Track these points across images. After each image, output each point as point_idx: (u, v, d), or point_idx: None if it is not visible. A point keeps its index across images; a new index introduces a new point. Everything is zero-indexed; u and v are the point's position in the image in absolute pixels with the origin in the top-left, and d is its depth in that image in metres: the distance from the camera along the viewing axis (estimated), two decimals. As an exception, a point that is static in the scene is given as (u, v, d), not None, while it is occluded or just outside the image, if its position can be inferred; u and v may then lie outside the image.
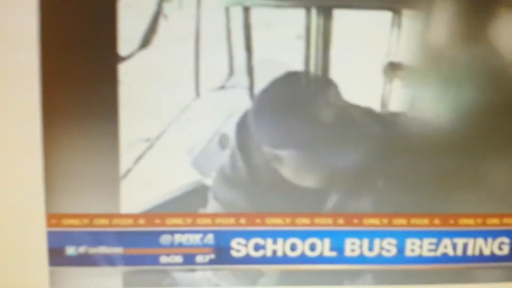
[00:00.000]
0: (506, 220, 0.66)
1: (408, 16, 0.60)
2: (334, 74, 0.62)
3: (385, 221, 0.65)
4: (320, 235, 0.66)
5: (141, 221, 0.63)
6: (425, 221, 0.66)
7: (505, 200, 0.66)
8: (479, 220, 0.66)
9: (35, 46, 0.58)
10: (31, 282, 0.64)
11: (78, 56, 0.58)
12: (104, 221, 0.63)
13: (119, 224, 0.63)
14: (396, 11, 0.60)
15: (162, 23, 0.59)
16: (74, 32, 0.58)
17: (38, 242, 0.63)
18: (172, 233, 0.64)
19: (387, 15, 0.60)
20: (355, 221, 0.65)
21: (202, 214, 0.64)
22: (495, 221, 0.66)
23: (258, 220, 0.65)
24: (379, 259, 0.67)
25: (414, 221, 0.66)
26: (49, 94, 0.59)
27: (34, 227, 0.62)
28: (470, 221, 0.66)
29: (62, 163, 0.61)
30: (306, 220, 0.65)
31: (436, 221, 0.66)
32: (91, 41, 0.58)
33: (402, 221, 0.66)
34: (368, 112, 0.62)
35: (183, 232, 0.64)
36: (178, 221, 0.64)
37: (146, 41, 0.59)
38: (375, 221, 0.65)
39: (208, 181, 0.64)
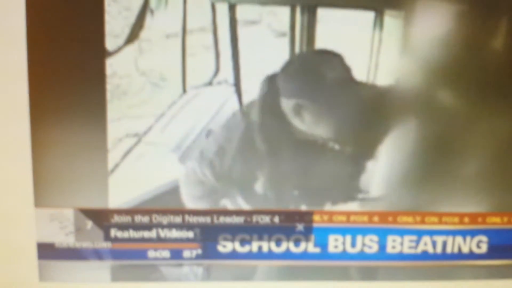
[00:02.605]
0: (484, 219, 0.64)
1: (390, 16, 0.58)
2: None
3: (365, 218, 0.63)
4: (305, 232, 0.64)
5: (129, 215, 0.61)
6: (409, 219, 0.64)
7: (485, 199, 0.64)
8: (458, 219, 0.64)
9: (23, 42, 0.55)
10: (21, 275, 0.61)
11: (65, 51, 0.56)
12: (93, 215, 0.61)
13: (107, 218, 0.61)
14: (379, 11, 0.58)
15: (149, 19, 0.57)
16: (61, 28, 0.55)
17: (27, 237, 0.60)
18: (159, 227, 0.62)
19: (369, 15, 0.58)
20: (342, 218, 0.63)
21: (190, 210, 0.62)
22: (474, 220, 0.64)
23: (245, 217, 0.62)
24: (362, 256, 0.65)
25: (402, 219, 0.64)
26: (37, 90, 0.57)
27: (23, 222, 0.60)
28: (450, 219, 0.64)
29: (50, 158, 0.58)
30: (290, 217, 0.63)
31: (418, 219, 0.64)
32: (78, 36, 0.56)
33: (383, 218, 0.64)
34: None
35: (170, 227, 0.62)
36: (166, 216, 0.61)
37: (133, 36, 0.57)
38: (358, 218, 0.63)
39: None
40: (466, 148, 0.62)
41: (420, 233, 0.64)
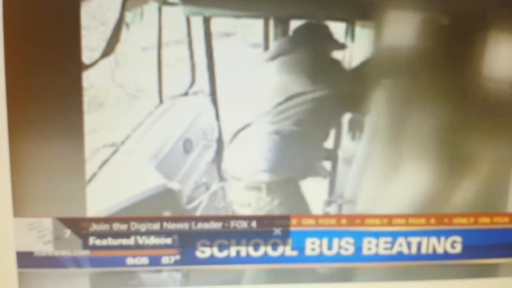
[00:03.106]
0: (457, 220, 0.65)
1: (361, 27, 0.60)
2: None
3: (343, 221, 0.64)
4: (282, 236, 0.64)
5: (107, 224, 0.61)
6: (383, 221, 0.65)
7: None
8: (433, 220, 0.65)
9: (1, 56, 0.55)
10: (0, 285, 0.61)
11: (42, 64, 0.56)
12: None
13: (86, 227, 0.61)
14: (350, 22, 0.59)
15: (125, 32, 0.57)
16: (38, 41, 0.56)
17: (6, 246, 0.60)
18: (137, 235, 0.62)
19: (340, 26, 0.59)
20: (313, 221, 0.64)
21: (168, 217, 0.62)
22: (447, 220, 0.65)
23: (222, 223, 0.63)
24: (338, 258, 0.65)
25: (369, 221, 0.64)
26: (14, 102, 0.57)
27: (2, 231, 0.60)
28: (416, 220, 0.65)
29: (28, 169, 0.59)
30: (267, 221, 0.64)
31: (385, 221, 0.65)
32: (55, 49, 0.56)
33: (358, 221, 0.64)
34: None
35: (148, 234, 0.62)
36: (144, 223, 0.62)
37: (109, 50, 0.57)
38: (332, 221, 0.64)
39: (174, 185, 0.62)
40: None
41: (395, 235, 0.65)
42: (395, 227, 0.65)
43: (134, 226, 0.62)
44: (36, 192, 0.59)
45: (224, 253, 0.64)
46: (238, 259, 0.64)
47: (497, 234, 0.66)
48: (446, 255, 0.67)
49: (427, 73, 0.61)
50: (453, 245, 0.66)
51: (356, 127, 0.62)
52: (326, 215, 0.64)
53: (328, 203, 0.64)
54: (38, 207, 0.60)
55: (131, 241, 0.62)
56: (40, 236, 0.60)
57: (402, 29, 0.60)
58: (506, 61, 0.61)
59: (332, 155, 0.64)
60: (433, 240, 0.66)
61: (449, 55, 0.61)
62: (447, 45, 0.60)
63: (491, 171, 0.65)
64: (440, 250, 0.66)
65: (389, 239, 0.65)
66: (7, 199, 0.59)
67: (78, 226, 0.61)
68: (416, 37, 0.60)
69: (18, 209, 0.59)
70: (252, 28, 0.58)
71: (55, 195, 0.59)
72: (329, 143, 0.63)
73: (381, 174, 0.64)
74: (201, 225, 0.63)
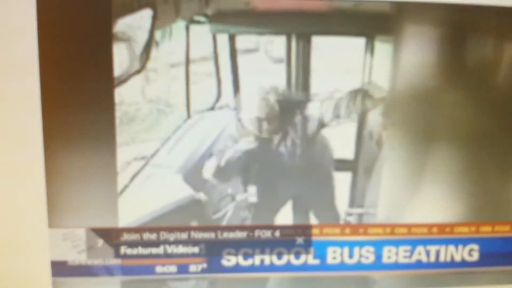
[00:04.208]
0: (474, 228, 0.66)
1: (381, 41, 0.61)
2: (314, 95, 0.62)
3: (363, 230, 0.65)
4: (305, 245, 0.66)
5: (138, 233, 0.63)
6: (403, 230, 0.65)
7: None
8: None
9: (36, 72, 0.57)
10: None
11: (76, 80, 0.58)
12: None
13: (117, 237, 0.63)
14: (369, 37, 0.60)
15: (154, 50, 0.59)
16: (72, 58, 0.58)
17: (42, 256, 0.62)
18: (166, 244, 0.63)
19: (360, 41, 0.61)
20: (334, 231, 0.65)
21: (195, 227, 0.64)
22: (465, 229, 0.66)
23: (247, 232, 0.64)
24: (359, 266, 0.66)
25: (388, 230, 0.66)
26: (49, 117, 0.59)
27: (38, 242, 0.61)
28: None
29: (63, 181, 0.60)
30: (290, 231, 0.65)
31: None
32: (88, 66, 0.58)
33: (378, 230, 0.65)
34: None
35: (176, 243, 0.64)
36: (172, 233, 0.63)
37: (140, 67, 0.59)
38: (353, 230, 0.65)
39: (201, 196, 0.63)
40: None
41: (414, 243, 0.66)
42: (414, 235, 0.66)
43: (163, 235, 0.63)
44: (70, 203, 0.61)
45: (248, 262, 0.65)
46: (262, 268, 0.65)
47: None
48: (463, 263, 0.67)
49: (446, 86, 0.62)
50: (471, 253, 0.67)
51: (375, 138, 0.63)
52: (347, 225, 0.65)
53: (349, 213, 0.65)
54: (72, 218, 0.61)
55: (160, 250, 0.63)
56: (74, 246, 0.62)
57: (422, 44, 0.61)
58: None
59: (352, 166, 0.65)
60: (451, 248, 0.67)
61: (468, 69, 0.62)
62: (468, 58, 0.62)
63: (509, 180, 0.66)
64: (457, 258, 0.67)
65: (408, 247, 0.66)
66: (43, 210, 0.60)
67: (110, 236, 0.62)
68: (435, 51, 0.61)
69: (53, 220, 0.61)
70: (275, 44, 0.60)
71: (88, 207, 0.61)
72: (349, 154, 0.64)
73: (401, 184, 0.64)
74: (226, 235, 0.64)
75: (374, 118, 0.63)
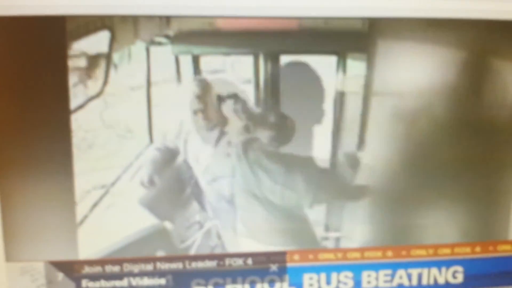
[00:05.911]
0: (457, 250, 0.65)
1: (352, 59, 0.59)
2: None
3: (341, 255, 0.64)
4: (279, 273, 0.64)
5: (100, 266, 0.61)
6: (379, 253, 0.64)
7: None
8: (431, 251, 0.65)
9: None
10: None
11: (30, 106, 0.57)
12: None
13: (78, 270, 0.61)
14: (341, 55, 0.59)
15: (113, 73, 0.57)
16: (25, 83, 0.56)
17: None
18: (131, 276, 0.62)
19: (332, 59, 0.59)
20: (310, 256, 0.64)
21: (161, 257, 0.62)
22: (447, 250, 0.65)
23: (217, 261, 0.63)
24: None
25: (367, 254, 0.64)
26: (2, 146, 0.57)
27: None
28: (423, 251, 0.65)
29: (19, 213, 0.59)
30: (263, 258, 0.63)
31: (389, 253, 0.64)
32: (43, 91, 0.56)
33: (356, 254, 0.64)
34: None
35: (142, 275, 0.62)
36: (137, 264, 0.62)
37: (98, 91, 0.57)
38: (330, 255, 0.64)
39: (166, 224, 0.62)
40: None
41: (395, 267, 0.65)
42: (394, 259, 0.64)
43: (127, 267, 0.61)
44: (27, 235, 0.59)
45: (219, 291, 0.63)
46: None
47: (498, 263, 0.66)
48: (447, 286, 0.66)
49: (424, 101, 0.61)
50: (455, 275, 0.66)
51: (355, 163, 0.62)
52: (323, 249, 0.63)
53: (325, 238, 0.63)
54: (30, 251, 0.59)
55: (124, 282, 0.62)
56: (32, 280, 0.60)
57: (395, 61, 0.60)
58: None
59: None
60: (434, 270, 0.65)
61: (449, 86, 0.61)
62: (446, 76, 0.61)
63: (492, 200, 0.64)
64: (441, 280, 0.66)
65: (389, 271, 0.65)
66: (-1, 244, 0.58)
67: (70, 269, 0.60)
68: (409, 67, 0.60)
69: (10, 254, 0.59)
70: (242, 64, 0.59)
71: (46, 239, 0.59)
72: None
73: (380, 206, 0.63)
74: (195, 264, 0.62)
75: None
